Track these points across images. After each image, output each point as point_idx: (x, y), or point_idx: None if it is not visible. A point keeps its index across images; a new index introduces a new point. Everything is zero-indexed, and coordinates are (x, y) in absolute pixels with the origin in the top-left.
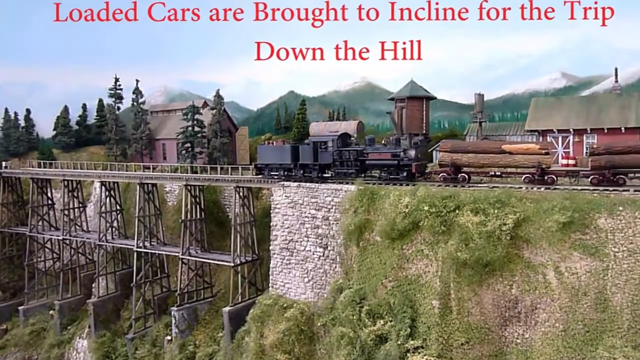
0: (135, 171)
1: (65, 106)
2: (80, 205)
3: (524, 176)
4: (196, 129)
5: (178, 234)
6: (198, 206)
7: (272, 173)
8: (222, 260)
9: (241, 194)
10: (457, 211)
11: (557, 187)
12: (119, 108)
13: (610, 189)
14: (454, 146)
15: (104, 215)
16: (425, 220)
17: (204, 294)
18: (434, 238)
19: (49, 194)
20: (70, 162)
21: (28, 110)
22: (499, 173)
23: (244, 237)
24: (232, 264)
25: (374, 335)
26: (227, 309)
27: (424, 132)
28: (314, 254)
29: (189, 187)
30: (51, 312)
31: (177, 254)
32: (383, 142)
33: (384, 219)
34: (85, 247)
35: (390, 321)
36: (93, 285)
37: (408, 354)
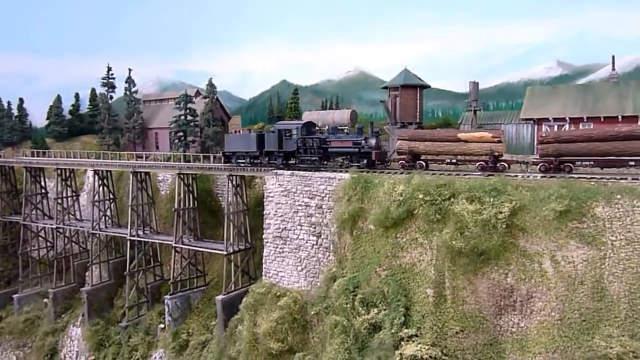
0: (128, 160)
1: (58, 95)
2: (74, 194)
3: (477, 163)
4: (189, 117)
5: (171, 222)
6: (191, 195)
7: (239, 161)
8: (215, 249)
9: (234, 182)
10: (452, 199)
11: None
12: (111, 97)
13: (609, 177)
14: (412, 135)
15: (97, 204)
16: (420, 209)
17: (197, 282)
18: (428, 226)
19: (43, 183)
20: (63, 151)
21: (21, 100)
22: (455, 161)
23: (236, 226)
24: (225, 253)
25: (368, 324)
26: (220, 297)
27: (418, 120)
28: (307, 242)
29: (181, 176)
30: (45, 300)
31: (170, 243)
32: (346, 131)
33: (378, 207)
34: (78, 235)
35: (384, 310)
36: (86, 273)
37: (402, 343)
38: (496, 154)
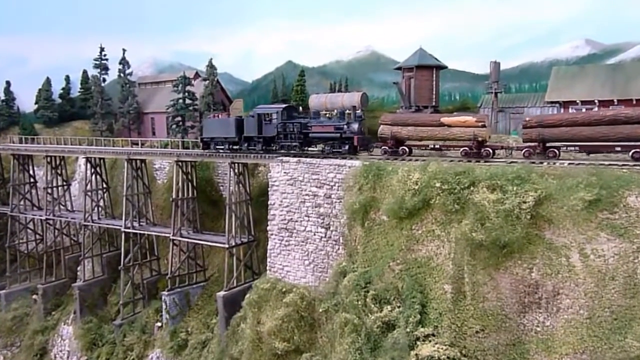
0: (122, 147)
1: (48, 78)
2: (64, 183)
3: (461, 149)
4: (187, 101)
5: (168, 213)
6: (190, 184)
7: (217, 147)
8: (216, 242)
9: (236, 170)
10: (471, 188)
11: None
12: (104, 80)
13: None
14: (394, 119)
15: (89, 193)
16: (437, 198)
17: (197, 277)
18: (446, 217)
19: (31, 172)
20: (53, 137)
21: (8, 83)
22: (438, 146)
23: (239, 217)
24: (226, 246)
25: (381, 322)
26: (221, 293)
27: (434, 104)
28: (315, 234)
29: (180, 164)
30: (34, 296)
31: (167, 235)
32: (327, 115)
33: (391, 196)
34: (69, 227)
35: (398, 307)
36: (78, 268)
37: (418, 342)
38: (480, 139)
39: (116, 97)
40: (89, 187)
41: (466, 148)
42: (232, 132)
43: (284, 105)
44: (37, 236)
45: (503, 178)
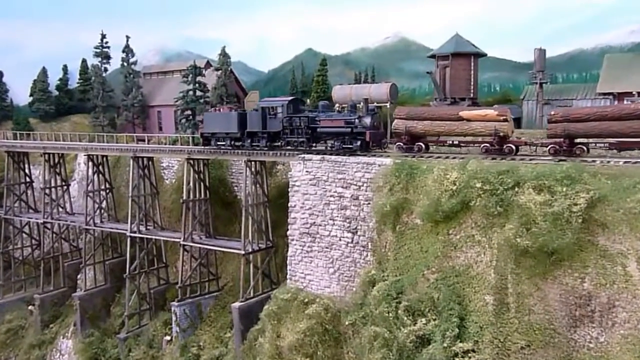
0: (127, 143)
1: (44, 68)
2: (63, 183)
3: (481, 145)
4: (198, 93)
5: (177, 216)
6: (202, 184)
7: (218, 143)
8: (231, 248)
9: (253, 169)
10: (516, 189)
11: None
12: (106, 70)
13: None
14: (409, 113)
15: (91, 194)
16: (477, 200)
17: (209, 287)
18: (487, 221)
19: (27, 170)
20: (50, 133)
21: (0, 73)
22: (457, 142)
23: (256, 221)
24: (242, 252)
25: (414, 336)
26: (237, 304)
27: (472, 95)
28: (340, 239)
29: (191, 162)
30: (30, 307)
31: (177, 240)
32: (338, 109)
33: (426, 198)
34: (69, 232)
35: (434, 320)
36: (79, 276)
37: (456, 359)
38: (502, 134)
39: (119, 88)
40: (90, 187)
41: (487, 144)
42: (235, 127)
43: (289, 98)
44: (34, 241)
45: (551, 178)
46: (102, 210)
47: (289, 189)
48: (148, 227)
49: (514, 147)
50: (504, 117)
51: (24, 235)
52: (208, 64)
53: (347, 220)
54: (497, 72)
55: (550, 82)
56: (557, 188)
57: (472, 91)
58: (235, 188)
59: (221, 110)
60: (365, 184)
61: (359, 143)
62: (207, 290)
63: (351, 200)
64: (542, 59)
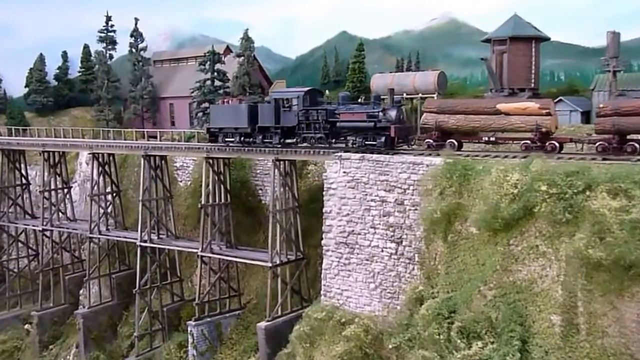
0: (136, 140)
1: (41, 55)
2: (65, 185)
3: (521, 142)
4: (217, 83)
5: (193, 224)
6: (222, 186)
7: (227, 139)
8: (256, 259)
9: (282, 169)
10: (587, 192)
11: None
12: (111, 57)
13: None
14: (440, 106)
15: (95, 198)
16: (543, 205)
17: (230, 304)
18: (554, 229)
19: (23, 171)
20: (49, 128)
21: None
22: (494, 139)
23: (285, 229)
24: (269, 264)
25: None
26: (262, 324)
27: (532, 85)
28: (383, 250)
29: (210, 161)
30: (27, 326)
31: (194, 251)
32: (360, 100)
33: (482, 203)
34: (70, 240)
35: (492, 343)
36: (81, 291)
37: None
38: (544, 129)
39: (126, 78)
40: (95, 190)
41: (527, 141)
42: (244, 122)
43: (306, 89)
44: (31, 251)
45: (628, 180)
46: (109, 217)
47: (324, 193)
48: (161, 236)
49: (557, 145)
50: (547, 111)
51: (20, 244)
52: (228, 50)
53: (391, 229)
54: (562, 59)
55: (625, 71)
56: (636, 192)
57: (532, 80)
58: (260, 191)
59: (229, 102)
60: (411, 187)
61: (383, 139)
62: (227, 308)
63: (395, 206)
64: (616, 44)
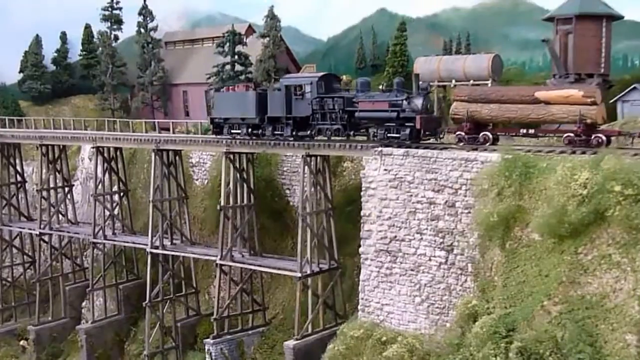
0: (146, 132)
1: (37, 36)
2: (66, 183)
3: (563, 135)
4: (238, 67)
5: (211, 228)
6: (245, 185)
7: (233, 131)
8: (283, 269)
9: (313, 166)
10: None
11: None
12: (117, 38)
13: None
14: (472, 94)
15: (100, 198)
16: (617, 208)
17: (253, 320)
18: (630, 236)
19: (19, 167)
20: (47, 119)
21: None
22: (532, 131)
23: (316, 234)
24: (298, 275)
25: None
26: (291, 343)
27: (602, 71)
28: (430, 259)
29: (231, 157)
30: (23, 342)
31: (212, 259)
32: (381, 87)
33: (546, 205)
34: (72, 246)
35: None
36: (84, 303)
37: None
38: (589, 121)
39: (133, 62)
40: (99, 189)
41: (570, 134)
42: (252, 111)
43: (320, 74)
44: (27, 258)
45: None
46: (115, 219)
47: (362, 193)
48: (174, 242)
49: (604, 138)
50: (592, 99)
51: (14, 250)
52: (250, 30)
53: (440, 234)
54: (637, 41)
55: None
56: None
57: (602, 65)
58: (287, 191)
59: (236, 89)
60: (463, 187)
61: (407, 131)
62: (250, 324)
63: (445, 208)
64: None
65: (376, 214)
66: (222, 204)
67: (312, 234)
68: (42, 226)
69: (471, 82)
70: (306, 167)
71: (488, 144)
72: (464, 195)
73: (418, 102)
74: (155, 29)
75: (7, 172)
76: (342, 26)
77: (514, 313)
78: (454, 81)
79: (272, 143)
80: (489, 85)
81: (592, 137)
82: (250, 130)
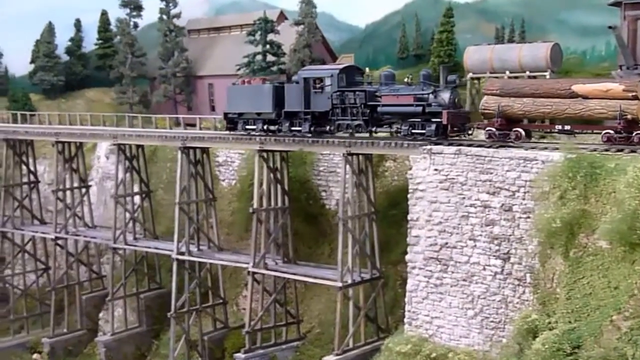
0: (171, 128)
1: (49, 24)
2: (82, 184)
3: (602, 132)
4: (270, 58)
5: (240, 233)
6: (280, 187)
7: (247, 127)
8: (322, 278)
9: (354, 166)
10: None
11: None
12: (136, 26)
13: None
14: (504, 87)
15: (121, 200)
16: None
17: (287, 333)
18: None
19: (31, 166)
20: (63, 113)
21: None
22: (569, 128)
23: (358, 240)
24: (339, 284)
25: None
26: (331, 358)
27: None
28: (485, 269)
29: (264, 155)
30: (35, 356)
31: (244, 266)
32: (406, 80)
33: (615, 210)
34: (89, 252)
35: None
36: (102, 314)
37: None
38: (630, 117)
39: (154, 51)
40: (120, 190)
41: (610, 131)
42: (268, 106)
43: (341, 66)
44: (40, 264)
45: None
46: (136, 223)
47: (409, 196)
48: (201, 247)
49: None
50: (634, 94)
51: (27, 255)
52: (282, 16)
53: (495, 241)
54: None
55: None
56: None
57: None
58: (323, 194)
59: (251, 82)
60: (522, 189)
61: (433, 127)
62: (284, 338)
63: (501, 212)
64: None
65: (425, 218)
66: (254, 206)
67: (353, 240)
68: (57, 230)
69: (527, 73)
70: (347, 167)
71: (520, 141)
72: (522, 199)
73: (445, 96)
74: (178, 15)
75: (19, 171)
76: (382, 12)
77: (579, 328)
78: (507, 72)
79: (310, 140)
80: (547, 77)
81: (634, 134)
82: (266, 126)
